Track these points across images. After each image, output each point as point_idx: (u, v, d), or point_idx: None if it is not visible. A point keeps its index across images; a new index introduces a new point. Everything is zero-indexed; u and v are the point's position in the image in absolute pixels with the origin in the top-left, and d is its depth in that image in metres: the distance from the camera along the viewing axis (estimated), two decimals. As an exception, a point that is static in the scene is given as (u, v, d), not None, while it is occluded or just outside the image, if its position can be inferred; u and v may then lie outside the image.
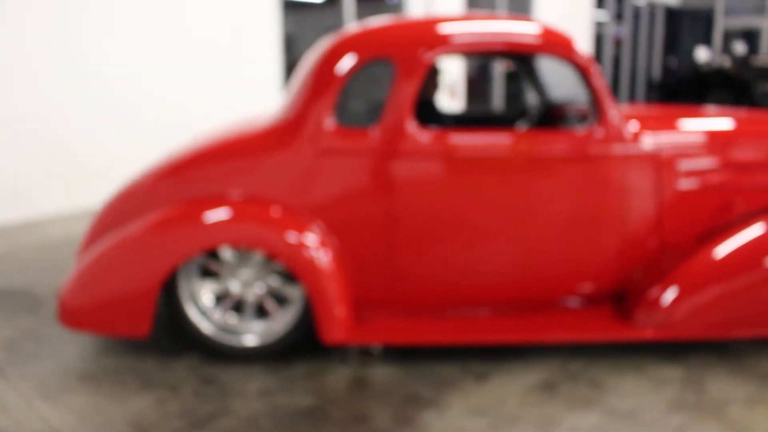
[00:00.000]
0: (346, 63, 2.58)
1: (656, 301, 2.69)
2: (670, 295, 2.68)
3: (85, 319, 2.69)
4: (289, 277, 2.74)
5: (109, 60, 5.38)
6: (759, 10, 13.29)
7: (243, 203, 2.62)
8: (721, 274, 2.68)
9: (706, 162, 2.82)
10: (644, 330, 2.67)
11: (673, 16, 14.31)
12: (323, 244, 2.61)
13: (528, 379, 2.58)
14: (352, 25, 2.90)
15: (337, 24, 8.11)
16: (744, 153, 2.87)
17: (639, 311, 2.73)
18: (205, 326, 2.72)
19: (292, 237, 2.56)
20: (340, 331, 2.63)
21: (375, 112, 2.68)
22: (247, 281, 2.75)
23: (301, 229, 2.59)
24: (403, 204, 2.61)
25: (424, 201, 2.61)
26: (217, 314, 2.75)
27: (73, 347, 2.89)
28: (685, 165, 2.80)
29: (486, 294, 2.77)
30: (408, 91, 2.54)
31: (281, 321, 2.72)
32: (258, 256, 2.71)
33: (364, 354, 2.72)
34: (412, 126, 2.56)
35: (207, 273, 2.80)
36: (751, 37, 13.66)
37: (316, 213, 2.63)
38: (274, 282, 2.74)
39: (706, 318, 2.66)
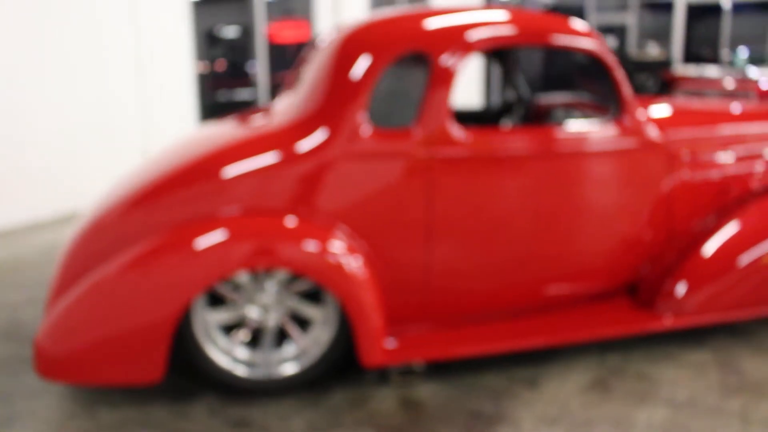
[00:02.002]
0: (379, 57, 2.38)
1: (675, 291, 2.77)
2: (688, 283, 2.77)
3: (77, 369, 2.28)
4: (311, 296, 2.50)
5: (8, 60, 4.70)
6: (622, 7, 14.49)
7: (264, 218, 2.34)
8: (732, 258, 2.80)
9: (708, 150, 2.94)
10: (670, 318, 2.73)
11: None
12: (360, 257, 2.40)
13: (577, 380, 2.55)
14: (365, 17, 2.70)
15: (216, 23, 7.90)
16: (737, 140, 3.02)
17: (660, 301, 2.79)
18: (238, 368, 2.41)
19: (328, 252, 2.32)
20: (382, 351, 2.44)
21: (401, 111, 2.51)
22: (267, 306, 2.46)
23: (335, 243, 2.36)
24: (443, 208, 2.46)
25: (466, 203, 2.49)
26: (243, 350, 2.45)
27: (55, 402, 2.44)
28: (691, 154, 2.90)
29: (520, 296, 2.71)
30: (448, 89, 2.39)
31: (316, 340, 2.47)
32: (280, 275, 2.44)
33: (405, 372, 2.54)
34: (453, 126, 2.42)
35: (214, 302, 2.49)
36: (616, 32, 14.84)
37: (346, 222, 2.41)
38: (298, 304, 2.48)
39: (723, 302, 2.78)
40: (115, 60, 5.48)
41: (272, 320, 2.47)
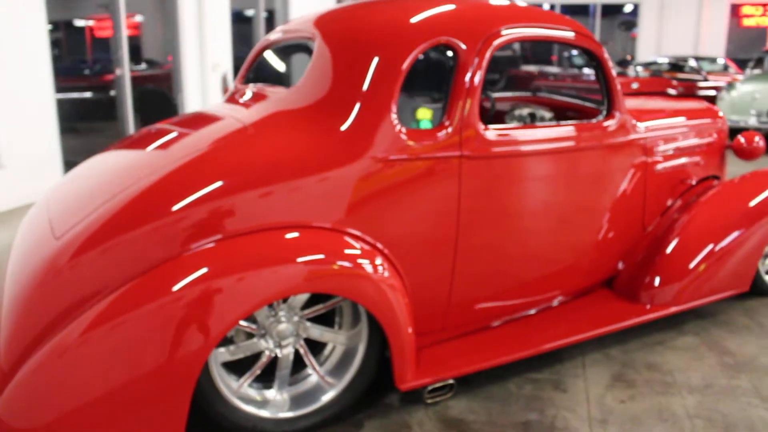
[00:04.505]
0: (408, 50, 2.23)
1: (658, 281, 2.96)
2: (669, 274, 2.98)
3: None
4: (323, 319, 2.32)
5: None
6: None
7: (297, 236, 2.10)
8: (701, 249, 3.06)
9: (670, 143, 3.19)
10: (660, 307, 2.92)
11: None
12: (391, 269, 2.24)
13: (596, 377, 2.62)
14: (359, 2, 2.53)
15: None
16: (687, 133, 3.32)
17: (644, 292, 2.98)
18: (263, 409, 2.15)
19: (365, 268, 2.14)
20: (415, 371, 2.32)
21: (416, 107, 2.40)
22: (283, 335, 2.22)
23: (370, 257, 2.18)
24: (470, 210, 2.39)
25: (492, 203, 2.44)
26: (262, 388, 2.20)
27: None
28: (661, 148, 3.12)
29: (535, 297, 2.74)
30: (478, 84, 2.32)
31: (343, 366, 2.29)
32: (298, 300, 2.21)
33: (435, 390, 2.42)
34: (479, 123, 2.35)
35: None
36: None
37: (374, 232, 2.23)
38: (317, 330, 2.27)
39: (700, 288, 3.01)
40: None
41: (288, 350, 2.24)
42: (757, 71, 8.99)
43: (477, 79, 2.32)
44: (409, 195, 2.26)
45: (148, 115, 5.54)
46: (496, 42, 2.38)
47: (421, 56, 2.29)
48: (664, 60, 12.34)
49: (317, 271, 2.04)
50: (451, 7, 2.41)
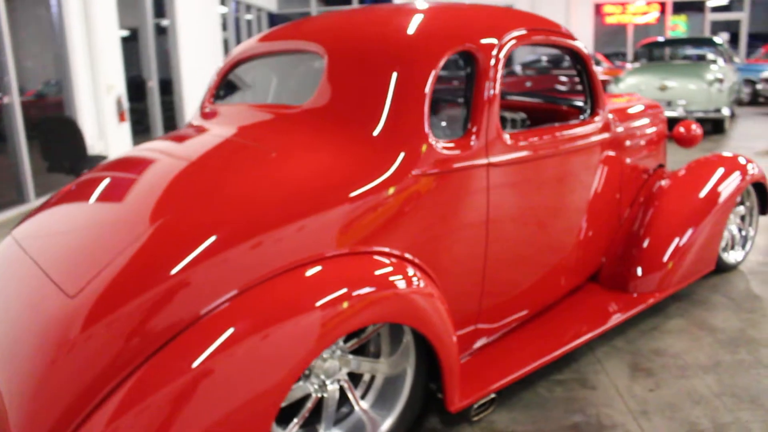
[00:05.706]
0: (435, 59, 2.17)
1: (644, 271, 3.12)
2: (647, 265, 3.14)
3: None
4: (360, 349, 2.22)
5: None
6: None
7: (347, 266, 1.97)
8: (671, 239, 3.25)
9: (636, 138, 3.36)
10: (643, 296, 3.07)
11: (273, 20, 15.46)
12: (433, 286, 2.17)
13: (616, 370, 2.70)
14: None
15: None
16: (647, 127, 3.51)
17: (630, 283, 3.12)
18: None
19: (418, 291, 2.05)
20: (463, 390, 2.27)
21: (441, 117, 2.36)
22: (330, 372, 2.09)
23: (415, 277, 2.09)
24: (498, 215, 2.37)
25: (517, 208, 2.43)
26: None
27: None
28: (630, 143, 3.28)
29: (547, 297, 2.77)
30: (497, 89, 2.30)
31: (394, 395, 2.19)
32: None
33: (478, 408, 2.38)
34: (501, 130, 2.34)
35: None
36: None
37: (413, 251, 2.15)
38: (361, 362, 2.16)
39: (675, 274, 3.20)
40: None
41: (334, 387, 2.11)
42: (636, 64, 9.75)
43: (496, 85, 2.31)
44: (441, 206, 2.19)
45: (51, 147, 5.03)
46: (507, 47, 2.38)
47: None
48: (544, 58, 13.06)
49: (363, 303, 1.90)
50: (466, 13, 2.39)
